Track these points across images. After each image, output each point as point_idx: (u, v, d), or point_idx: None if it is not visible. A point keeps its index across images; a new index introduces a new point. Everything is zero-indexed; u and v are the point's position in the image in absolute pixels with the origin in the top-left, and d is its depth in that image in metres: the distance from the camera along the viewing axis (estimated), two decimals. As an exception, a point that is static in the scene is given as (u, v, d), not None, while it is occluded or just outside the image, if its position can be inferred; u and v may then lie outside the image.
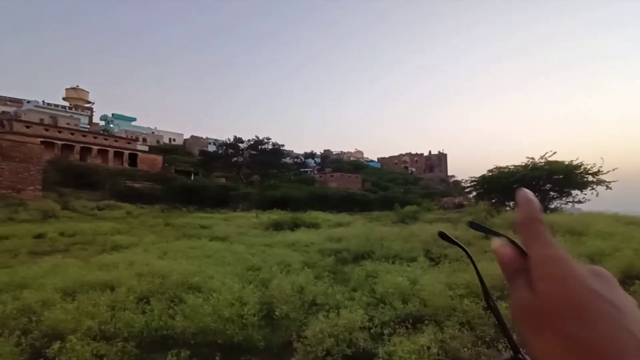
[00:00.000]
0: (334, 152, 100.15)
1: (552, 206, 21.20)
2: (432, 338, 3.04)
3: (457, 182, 51.97)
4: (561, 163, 19.25)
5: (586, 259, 5.51)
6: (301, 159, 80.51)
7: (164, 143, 68.00)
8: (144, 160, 49.70)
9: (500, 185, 22.04)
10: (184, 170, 52.85)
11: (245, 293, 4.46)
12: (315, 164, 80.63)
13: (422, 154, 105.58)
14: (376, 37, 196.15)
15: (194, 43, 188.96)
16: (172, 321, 3.62)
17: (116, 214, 26.75)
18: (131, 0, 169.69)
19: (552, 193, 20.23)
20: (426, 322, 3.43)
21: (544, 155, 20.57)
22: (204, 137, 75.81)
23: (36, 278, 5.30)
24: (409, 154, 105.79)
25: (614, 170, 18.13)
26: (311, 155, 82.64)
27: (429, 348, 2.76)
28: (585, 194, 18.66)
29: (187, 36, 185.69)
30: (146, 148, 55.92)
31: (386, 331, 3.19)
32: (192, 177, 50.74)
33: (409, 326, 3.37)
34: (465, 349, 2.88)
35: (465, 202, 32.32)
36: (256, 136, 60.06)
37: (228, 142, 61.08)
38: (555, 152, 20.45)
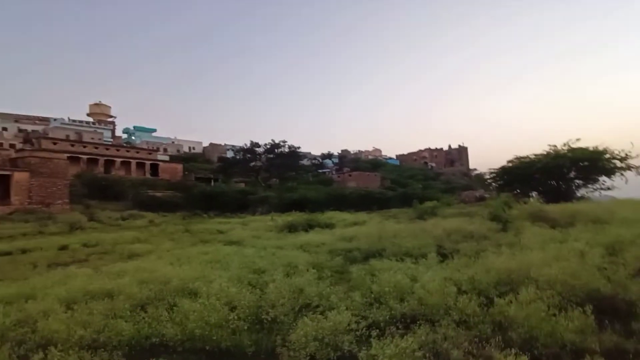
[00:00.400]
0: (352, 152, 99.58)
1: (579, 194, 20.25)
2: (423, 339, 2.86)
3: (479, 175, 50.53)
4: (585, 149, 18.38)
5: (603, 248, 5.13)
6: (319, 160, 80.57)
7: (184, 152, 69.57)
8: (165, 170, 51.04)
9: (521, 175, 21.29)
10: (203, 177, 53.94)
11: (241, 297, 4.39)
12: (333, 165, 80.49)
13: (441, 149, 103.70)
14: (388, 32, 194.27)
15: (207, 54, 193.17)
16: (163, 328, 3.59)
17: (139, 223, 27.50)
18: (148, 16, 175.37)
19: (577, 181, 19.33)
20: (420, 321, 3.25)
21: (567, 142, 19.74)
22: (223, 143, 77.06)
23: (44, 289, 5.43)
24: (428, 149, 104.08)
25: (644, 153, 17.14)
26: (329, 155, 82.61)
27: (414, 351, 2.58)
28: (614, 181, 17.75)
29: (202, 48, 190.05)
30: (167, 158, 57.40)
31: (374, 333, 3.03)
32: (212, 184, 51.70)
33: (400, 327, 3.20)
34: (458, 350, 2.69)
35: (486, 195, 31.33)
36: (272, 140, 60.55)
37: (245, 147, 61.87)
38: (579, 139, 19.58)
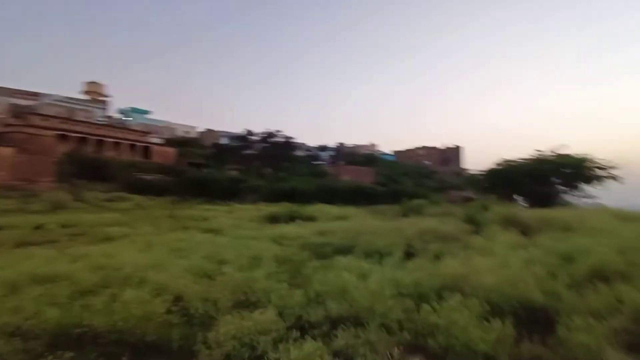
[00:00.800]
0: (348, 145, 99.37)
1: (566, 200, 20.39)
2: (342, 343, 2.83)
3: (468, 176, 50.82)
4: (570, 156, 18.51)
5: (558, 256, 5.12)
6: (314, 152, 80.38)
7: (178, 136, 68.95)
8: (157, 153, 50.63)
9: (507, 178, 21.37)
10: (196, 163, 53.56)
11: (186, 289, 4.34)
12: (328, 157, 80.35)
13: (437, 147, 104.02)
14: (390, 28, 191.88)
15: (209, 40, 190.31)
16: (92, 318, 3.52)
17: (125, 206, 27.31)
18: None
19: (561, 187, 19.45)
20: (348, 323, 3.22)
21: (553, 148, 19.85)
22: (218, 129, 76.46)
23: (-7, 270, 5.33)
24: (425, 147, 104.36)
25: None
26: (324, 148, 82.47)
27: (320, 356, 2.55)
28: (596, 189, 17.89)
29: (203, 33, 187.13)
30: (160, 141, 56.87)
31: (293, 334, 3.00)
32: (204, 170, 51.37)
33: (326, 328, 3.17)
34: (374, 355, 2.66)
35: (473, 196, 31.44)
36: (267, 129, 60.23)
37: (240, 134, 61.53)
38: (565, 145, 19.69)
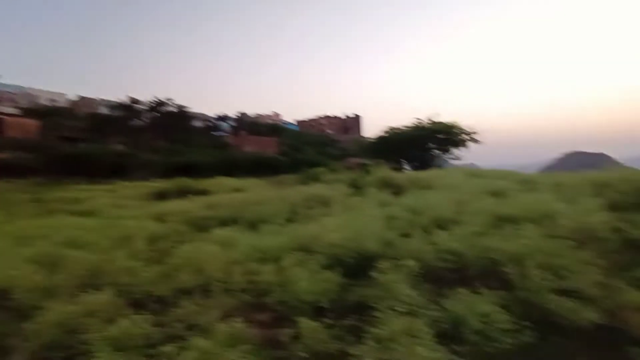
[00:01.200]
0: (251, 115, 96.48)
1: (438, 163, 23.56)
2: (183, 312, 2.85)
3: (363, 143, 54.78)
4: (442, 123, 21.35)
5: (410, 211, 5.90)
6: (213, 123, 76.09)
7: (42, 105, 57.87)
8: (12, 125, 41.78)
9: (393, 145, 23.68)
10: (70, 137, 46.00)
11: (15, 280, 3.80)
12: (229, 128, 77.04)
13: (338, 117, 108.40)
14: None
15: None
16: None
17: (-31, 191, 22.19)
18: None
19: (435, 151, 22.45)
20: (195, 293, 3.24)
21: (430, 116, 22.58)
22: (96, 98, 66.45)
23: None
24: (327, 117, 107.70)
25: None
26: (225, 117, 78.59)
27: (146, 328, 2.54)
28: (462, 152, 21.20)
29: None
30: (16, 110, 47.01)
31: (127, 311, 2.91)
32: (81, 145, 44.58)
33: (170, 301, 3.15)
34: (207, 319, 2.75)
35: (366, 162, 34.04)
36: (156, 97, 54.60)
37: (123, 103, 54.53)
38: (439, 113, 22.58)
